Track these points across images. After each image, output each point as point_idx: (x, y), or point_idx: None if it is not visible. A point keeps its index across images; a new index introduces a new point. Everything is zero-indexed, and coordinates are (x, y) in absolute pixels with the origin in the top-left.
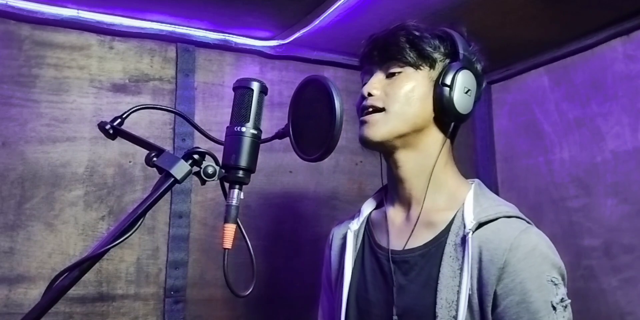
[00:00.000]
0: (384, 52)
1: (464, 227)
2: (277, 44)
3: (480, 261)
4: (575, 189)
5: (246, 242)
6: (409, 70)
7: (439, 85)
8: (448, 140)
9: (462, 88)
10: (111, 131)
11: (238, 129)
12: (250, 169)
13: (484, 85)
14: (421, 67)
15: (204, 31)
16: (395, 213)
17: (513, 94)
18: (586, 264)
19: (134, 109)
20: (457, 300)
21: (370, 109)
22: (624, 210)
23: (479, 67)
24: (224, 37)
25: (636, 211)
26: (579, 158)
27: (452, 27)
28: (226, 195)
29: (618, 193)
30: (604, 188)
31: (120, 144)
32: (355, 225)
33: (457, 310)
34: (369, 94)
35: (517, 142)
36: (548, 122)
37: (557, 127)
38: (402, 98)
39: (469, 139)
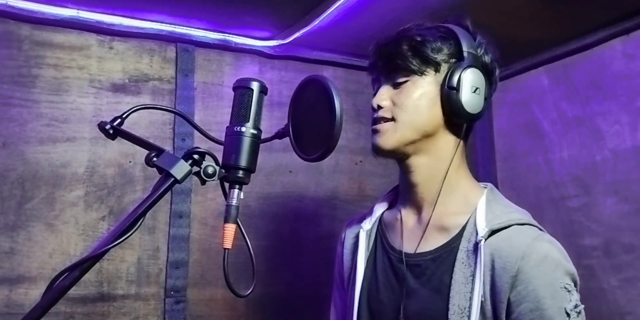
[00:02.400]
0: (388, 62)
1: (476, 234)
2: (277, 43)
3: (492, 268)
4: (575, 188)
5: (246, 242)
6: (414, 78)
7: (445, 89)
8: (461, 142)
9: (469, 88)
10: (111, 131)
11: (238, 129)
12: (250, 169)
13: (496, 77)
14: (426, 73)
15: (204, 31)
16: (407, 215)
17: (512, 94)
18: (586, 264)
19: (133, 109)
20: (470, 307)
21: (382, 121)
22: (623, 209)
23: (487, 60)
24: (223, 37)
25: (636, 210)
26: (579, 157)
27: (457, 20)
28: (226, 195)
29: (618, 192)
30: (604, 187)
31: (120, 144)
32: (368, 224)
33: (469, 317)
34: (378, 107)
35: (516, 142)
36: (547, 122)
37: (557, 127)
38: (411, 107)
39: (469, 139)
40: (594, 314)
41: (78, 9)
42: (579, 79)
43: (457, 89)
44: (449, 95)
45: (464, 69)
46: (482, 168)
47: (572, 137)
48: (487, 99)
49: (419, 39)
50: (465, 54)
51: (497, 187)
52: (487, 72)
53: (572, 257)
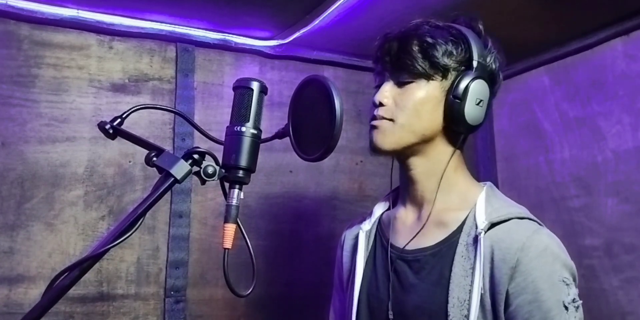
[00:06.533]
0: (396, 59)
1: (476, 227)
2: (277, 43)
3: (492, 260)
4: (576, 189)
5: (246, 242)
6: (420, 81)
7: (450, 98)
8: (458, 149)
9: (473, 100)
10: (111, 131)
11: (238, 128)
12: (250, 169)
13: (499, 86)
14: (433, 78)
15: (204, 31)
16: (406, 213)
17: (513, 94)
18: (587, 264)
19: (133, 108)
20: (469, 299)
21: (381, 119)
22: (624, 210)
23: (495, 70)
24: (223, 37)
25: (637, 210)
26: (580, 157)
27: (468, 22)
28: (226, 195)
29: (619, 192)
30: (605, 187)
31: (120, 144)
32: (367, 225)
33: (469, 309)
34: (380, 104)
35: (517, 142)
36: (548, 122)
37: (558, 127)
38: (412, 110)
39: (470, 139)
40: (595, 314)
41: (78, 9)
42: (579, 79)
43: (462, 99)
44: (452, 105)
45: (472, 80)
46: (482, 168)
47: (573, 138)
48: (488, 109)
49: (430, 40)
50: (474, 63)
51: (497, 187)
52: (492, 82)
53: (573, 257)
